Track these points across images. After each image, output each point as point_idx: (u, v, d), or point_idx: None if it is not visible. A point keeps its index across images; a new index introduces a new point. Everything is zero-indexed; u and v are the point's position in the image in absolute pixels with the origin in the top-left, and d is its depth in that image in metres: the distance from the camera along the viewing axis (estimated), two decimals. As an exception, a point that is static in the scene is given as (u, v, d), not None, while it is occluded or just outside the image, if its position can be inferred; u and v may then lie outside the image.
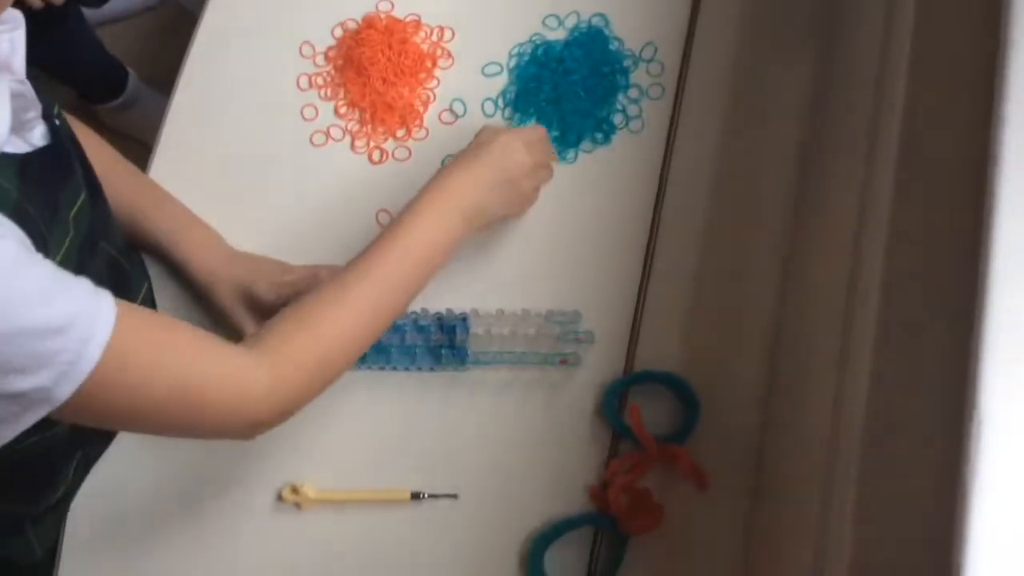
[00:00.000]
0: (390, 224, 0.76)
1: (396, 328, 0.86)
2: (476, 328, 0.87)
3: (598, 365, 0.88)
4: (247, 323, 0.85)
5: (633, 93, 0.98)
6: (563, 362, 0.86)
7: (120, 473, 0.86)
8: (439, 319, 0.87)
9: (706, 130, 0.97)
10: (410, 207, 0.77)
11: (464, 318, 0.87)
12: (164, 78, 1.73)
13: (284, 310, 0.70)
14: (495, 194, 0.80)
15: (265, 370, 0.64)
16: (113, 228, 0.81)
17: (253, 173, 0.96)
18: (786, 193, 0.94)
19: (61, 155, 0.67)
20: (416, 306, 0.88)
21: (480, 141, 0.82)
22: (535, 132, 0.85)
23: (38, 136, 0.64)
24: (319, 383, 0.70)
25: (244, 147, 0.97)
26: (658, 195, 0.94)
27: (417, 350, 0.86)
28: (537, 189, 0.86)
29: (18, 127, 0.62)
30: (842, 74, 0.92)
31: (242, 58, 1.01)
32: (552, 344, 0.87)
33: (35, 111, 0.64)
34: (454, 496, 0.84)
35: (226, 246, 0.89)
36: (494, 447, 0.86)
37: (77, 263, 0.66)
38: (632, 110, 0.98)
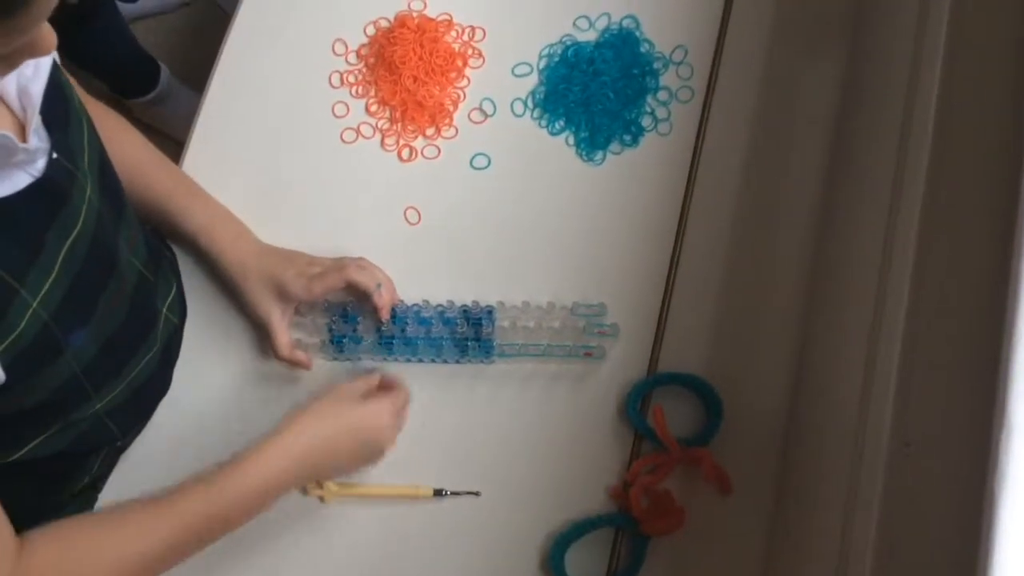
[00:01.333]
0: (209, 473, 0.72)
1: (422, 321, 0.87)
2: (502, 320, 0.87)
3: (622, 366, 0.88)
4: (274, 314, 0.86)
5: (662, 96, 0.99)
6: (588, 355, 0.86)
7: (147, 464, 0.87)
8: (465, 311, 0.88)
9: (735, 133, 0.97)
10: (244, 464, 0.73)
11: (490, 310, 0.87)
12: (196, 74, 1.76)
13: (63, 529, 0.66)
14: (344, 455, 0.79)
15: None
16: (138, 243, 0.81)
17: (283, 169, 0.97)
18: (815, 196, 0.93)
19: (52, 190, 0.65)
20: (442, 298, 0.89)
21: (352, 413, 0.79)
22: (401, 397, 0.83)
23: (22, 179, 0.63)
24: None
25: (275, 144, 0.98)
26: (685, 197, 0.94)
27: (444, 342, 0.86)
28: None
29: None
30: (873, 76, 0.91)
31: (275, 55, 1.02)
32: (577, 337, 0.87)
33: (22, 155, 0.62)
34: (476, 494, 0.85)
35: (257, 240, 0.90)
36: (517, 446, 0.86)
37: (65, 295, 0.66)
38: (661, 112, 0.98)
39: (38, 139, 0.65)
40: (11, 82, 0.65)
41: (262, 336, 0.89)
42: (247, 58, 1.02)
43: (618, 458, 0.85)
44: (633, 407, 0.85)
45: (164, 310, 0.86)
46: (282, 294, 0.86)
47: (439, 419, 0.87)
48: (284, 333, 0.86)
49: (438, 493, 0.84)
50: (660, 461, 0.83)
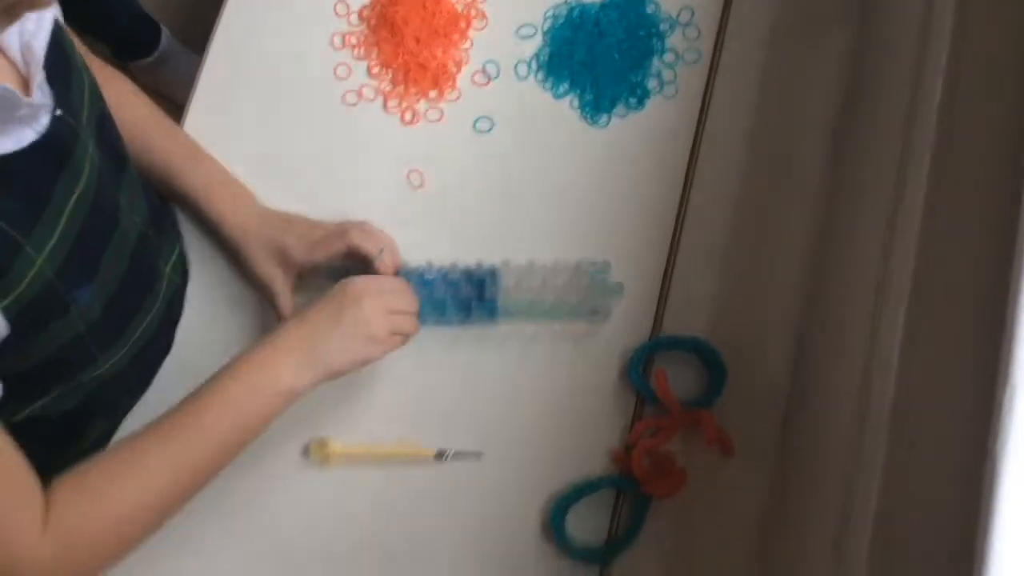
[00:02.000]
0: (207, 382, 0.72)
1: (425, 283, 0.86)
2: (506, 281, 0.87)
3: (625, 328, 0.88)
4: (277, 279, 0.86)
5: (669, 58, 0.98)
6: (593, 313, 0.86)
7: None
8: (468, 273, 0.87)
9: (742, 97, 0.96)
10: (229, 368, 0.73)
11: (494, 271, 0.87)
12: (196, 37, 1.74)
13: (80, 474, 0.67)
14: (335, 344, 0.75)
15: (49, 548, 0.63)
16: (139, 202, 0.81)
17: (284, 131, 0.96)
18: (821, 161, 0.93)
19: (56, 147, 0.65)
20: (446, 261, 0.89)
21: (330, 293, 0.79)
22: (392, 282, 0.82)
23: (27, 135, 0.63)
24: (110, 556, 0.68)
25: (276, 106, 0.97)
26: (690, 161, 0.94)
27: (447, 304, 0.86)
28: (397, 334, 0.80)
29: None
30: (881, 44, 0.90)
31: (276, 17, 1.01)
32: (582, 295, 0.87)
33: (26, 109, 0.62)
34: (478, 455, 0.85)
35: (258, 204, 0.90)
36: (519, 407, 0.87)
37: (69, 253, 0.66)
38: (667, 75, 0.97)
39: (41, 94, 0.65)
40: (14, 37, 0.65)
41: (264, 298, 0.89)
42: (247, 20, 1.01)
43: (620, 420, 0.86)
44: (636, 370, 0.85)
45: (167, 269, 0.86)
46: (284, 258, 0.85)
47: (441, 381, 0.87)
48: (287, 297, 0.86)
49: (440, 454, 0.85)
50: (662, 424, 0.84)
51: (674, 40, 0.98)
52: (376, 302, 0.78)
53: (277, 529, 0.84)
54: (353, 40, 1.00)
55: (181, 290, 0.90)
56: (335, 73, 0.98)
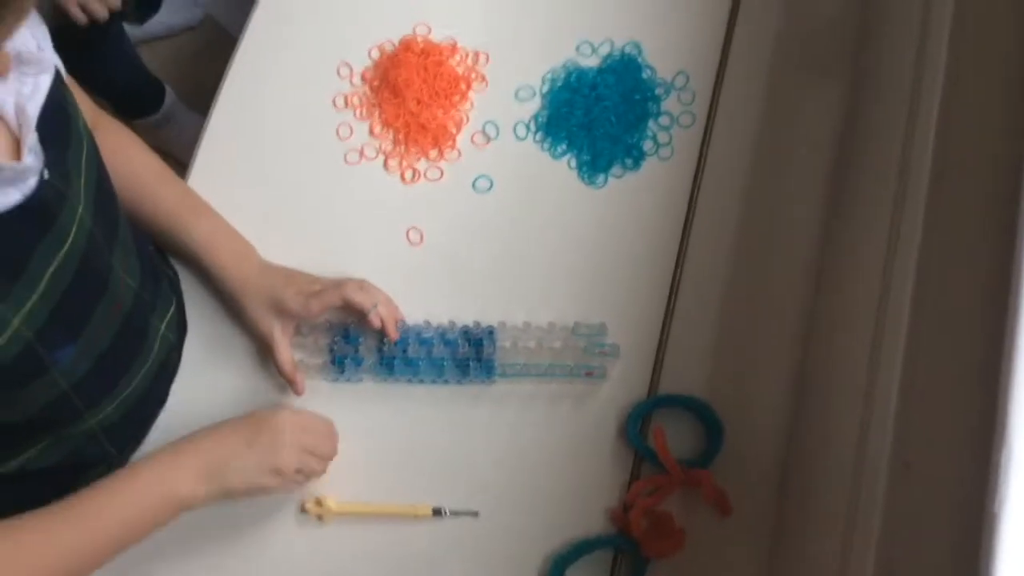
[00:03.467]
0: (110, 476, 0.72)
1: (423, 341, 0.87)
2: (503, 341, 0.88)
3: (622, 387, 0.88)
4: (275, 331, 0.86)
5: (664, 120, 1.00)
6: (588, 374, 0.87)
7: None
8: (466, 332, 0.88)
9: (736, 158, 0.98)
10: (134, 466, 0.73)
11: (491, 331, 0.88)
12: (200, 97, 1.77)
13: None
14: (240, 465, 0.75)
15: None
16: (133, 262, 0.81)
17: (287, 189, 0.98)
18: (814, 221, 0.94)
19: (40, 210, 0.65)
20: (444, 319, 0.89)
21: (257, 413, 0.79)
22: (320, 424, 0.82)
23: (11, 197, 0.63)
24: None
25: (279, 164, 0.99)
26: (686, 221, 0.95)
27: (445, 363, 0.87)
28: (301, 473, 0.79)
29: None
30: (873, 101, 0.92)
31: (280, 76, 1.03)
32: (578, 357, 0.87)
33: (9, 172, 0.62)
34: (475, 514, 0.84)
35: (259, 258, 0.91)
36: (516, 466, 0.86)
37: (51, 314, 0.66)
38: (663, 137, 0.99)
39: (33, 157, 0.65)
40: (9, 98, 0.65)
41: (262, 352, 0.89)
42: (252, 79, 1.03)
43: (618, 479, 0.85)
44: (633, 428, 0.85)
45: (162, 328, 0.86)
46: (281, 311, 0.86)
47: (438, 439, 0.87)
48: (285, 349, 0.86)
49: (437, 512, 0.84)
50: (660, 483, 0.83)
51: (669, 104, 1.00)
52: (296, 438, 0.78)
53: (271, 588, 0.83)
54: (355, 100, 1.02)
55: (177, 347, 0.90)
56: (337, 133, 1.00)
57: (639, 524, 0.81)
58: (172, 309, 0.89)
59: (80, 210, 0.70)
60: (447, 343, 0.88)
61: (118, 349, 0.78)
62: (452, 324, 0.89)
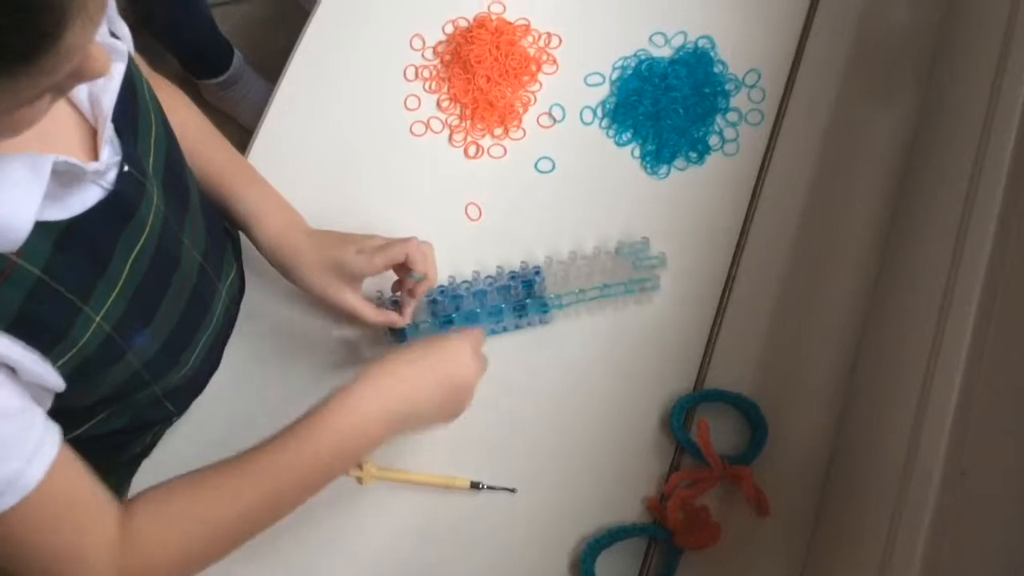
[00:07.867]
0: (300, 419, 0.71)
1: (477, 293, 0.88)
2: (553, 275, 0.89)
3: (669, 377, 0.88)
4: (345, 295, 0.84)
5: (732, 117, 0.99)
6: (642, 289, 0.88)
7: (188, 439, 0.88)
8: (514, 275, 0.90)
9: (801, 159, 0.97)
10: (331, 404, 0.71)
11: (538, 270, 0.90)
12: (267, 63, 1.80)
13: (161, 500, 0.67)
14: (433, 399, 0.75)
15: (120, 570, 0.64)
16: (201, 233, 0.80)
17: (350, 157, 0.99)
18: (875, 229, 0.93)
19: (121, 203, 0.65)
20: (491, 266, 0.90)
21: (429, 343, 0.78)
22: (480, 337, 0.81)
23: (93, 194, 0.62)
24: None
25: (344, 131, 1.00)
26: (746, 219, 0.95)
27: (502, 308, 0.88)
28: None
29: (60, 196, 0.60)
30: (945, 120, 0.91)
31: (353, 45, 1.04)
32: (628, 273, 0.89)
33: (92, 175, 0.61)
34: (512, 490, 0.85)
35: (307, 226, 0.88)
36: (557, 448, 0.87)
37: (128, 306, 0.66)
38: (729, 133, 0.98)
39: (111, 150, 0.64)
40: (82, 89, 0.64)
41: (315, 307, 0.89)
42: (325, 46, 1.04)
43: (657, 470, 0.85)
44: (677, 419, 0.85)
45: (224, 294, 0.86)
46: (342, 273, 0.83)
47: (482, 416, 0.87)
48: (364, 306, 0.84)
49: (475, 486, 0.85)
50: (700, 476, 0.83)
51: (739, 100, 1.00)
52: (476, 366, 0.78)
53: (308, 549, 0.84)
54: (426, 73, 1.02)
55: (235, 307, 0.90)
56: (405, 104, 1.01)
57: (675, 515, 0.81)
58: (234, 273, 0.89)
59: (155, 196, 0.69)
60: (500, 289, 0.89)
61: (186, 323, 0.78)
62: (500, 270, 0.90)
